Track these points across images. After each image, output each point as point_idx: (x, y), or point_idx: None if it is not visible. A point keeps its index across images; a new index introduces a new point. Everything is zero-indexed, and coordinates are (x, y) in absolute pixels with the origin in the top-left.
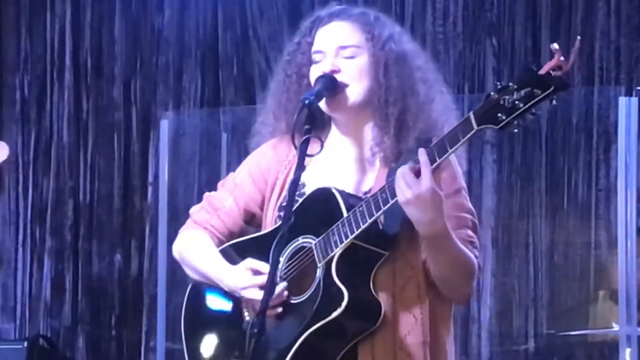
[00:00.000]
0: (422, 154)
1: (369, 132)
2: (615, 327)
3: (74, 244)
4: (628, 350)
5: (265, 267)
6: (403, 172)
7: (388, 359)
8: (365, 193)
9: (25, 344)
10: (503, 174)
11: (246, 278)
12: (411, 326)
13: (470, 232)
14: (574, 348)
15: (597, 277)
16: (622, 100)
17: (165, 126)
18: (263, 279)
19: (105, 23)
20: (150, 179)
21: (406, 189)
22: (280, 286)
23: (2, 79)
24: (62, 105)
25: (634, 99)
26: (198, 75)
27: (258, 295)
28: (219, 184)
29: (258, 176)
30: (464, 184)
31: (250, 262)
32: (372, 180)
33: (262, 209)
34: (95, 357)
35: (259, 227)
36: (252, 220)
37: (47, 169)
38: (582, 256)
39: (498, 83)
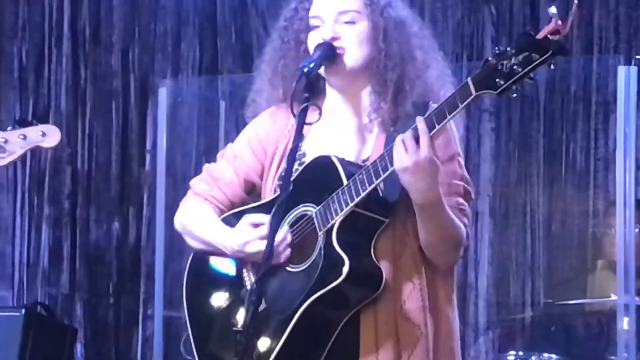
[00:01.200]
0: (420, 122)
1: (366, 97)
2: (614, 297)
3: (72, 211)
4: (626, 320)
5: (264, 217)
6: (404, 138)
7: (390, 325)
8: (365, 160)
9: (23, 311)
10: (501, 143)
11: (247, 232)
12: (409, 291)
13: (460, 200)
14: (571, 317)
15: (595, 246)
16: (621, 70)
17: (163, 94)
18: (264, 230)
19: None
20: (149, 146)
21: (404, 155)
22: (283, 230)
23: (0, 46)
24: (60, 73)
25: (633, 68)
26: (196, 43)
27: (262, 246)
28: (218, 155)
29: (257, 146)
30: (459, 149)
31: (249, 217)
32: (371, 146)
33: (262, 178)
34: (92, 324)
35: (259, 196)
36: (252, 190)
37: None
38: (580, 225)
39: (496, 48)
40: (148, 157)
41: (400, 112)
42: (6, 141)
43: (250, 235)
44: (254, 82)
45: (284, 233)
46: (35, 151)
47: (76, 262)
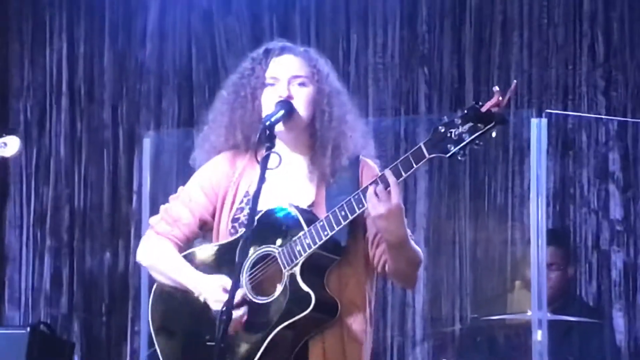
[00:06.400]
0: (390, 176)
1: (310, 151)
2: (529, 313)
3: (70, 243)
4: (539, 332)
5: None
6: (377, 191)
7: (337, 347)
8: (309, 205)
9: (28, 329)
10: (433, 182)
11: (218, 294)
12: (354, 317)
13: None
14: (494, 330)
15: (513, 269)
16: (534, 121)
17: (147, 144)
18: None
19: (96, 56)
20: (135, 188)
21: (378, 204)
22: (240, 292)
23: (9, 104)
24: (60, 126)
25: (544, 120)
26: (175, 100)
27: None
28: (172, 197)
29: (209, 190)
30: None
31: (225, 282)
32: (313, 194)
33: (213, 217)
34: (88, 340)
35: (210, 231)
36: (204, 226)
37: (46, 180)
38: (500, 252)
39: (444, 118)
40: (135, 197)
41: (337, 165)
42: None
43: (219, 297)
44: (202, 130)
45: (242, 311)
46: (39, 192)
47: (74, 287)
